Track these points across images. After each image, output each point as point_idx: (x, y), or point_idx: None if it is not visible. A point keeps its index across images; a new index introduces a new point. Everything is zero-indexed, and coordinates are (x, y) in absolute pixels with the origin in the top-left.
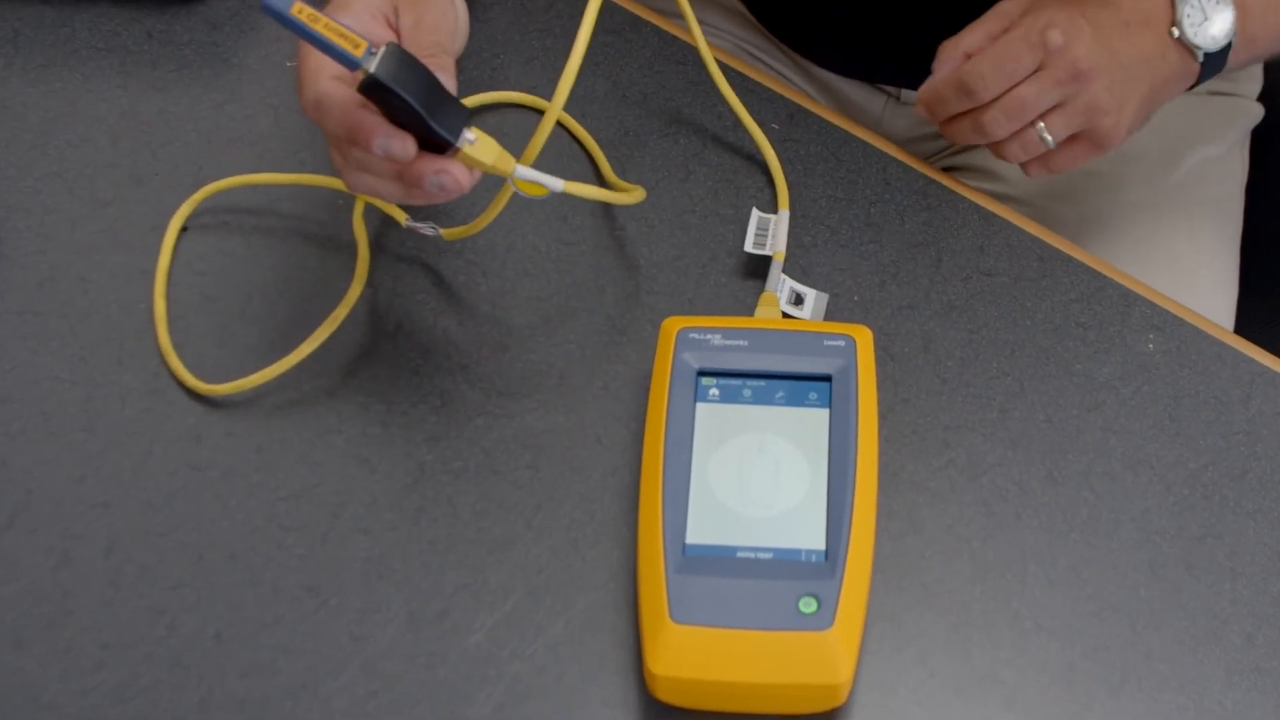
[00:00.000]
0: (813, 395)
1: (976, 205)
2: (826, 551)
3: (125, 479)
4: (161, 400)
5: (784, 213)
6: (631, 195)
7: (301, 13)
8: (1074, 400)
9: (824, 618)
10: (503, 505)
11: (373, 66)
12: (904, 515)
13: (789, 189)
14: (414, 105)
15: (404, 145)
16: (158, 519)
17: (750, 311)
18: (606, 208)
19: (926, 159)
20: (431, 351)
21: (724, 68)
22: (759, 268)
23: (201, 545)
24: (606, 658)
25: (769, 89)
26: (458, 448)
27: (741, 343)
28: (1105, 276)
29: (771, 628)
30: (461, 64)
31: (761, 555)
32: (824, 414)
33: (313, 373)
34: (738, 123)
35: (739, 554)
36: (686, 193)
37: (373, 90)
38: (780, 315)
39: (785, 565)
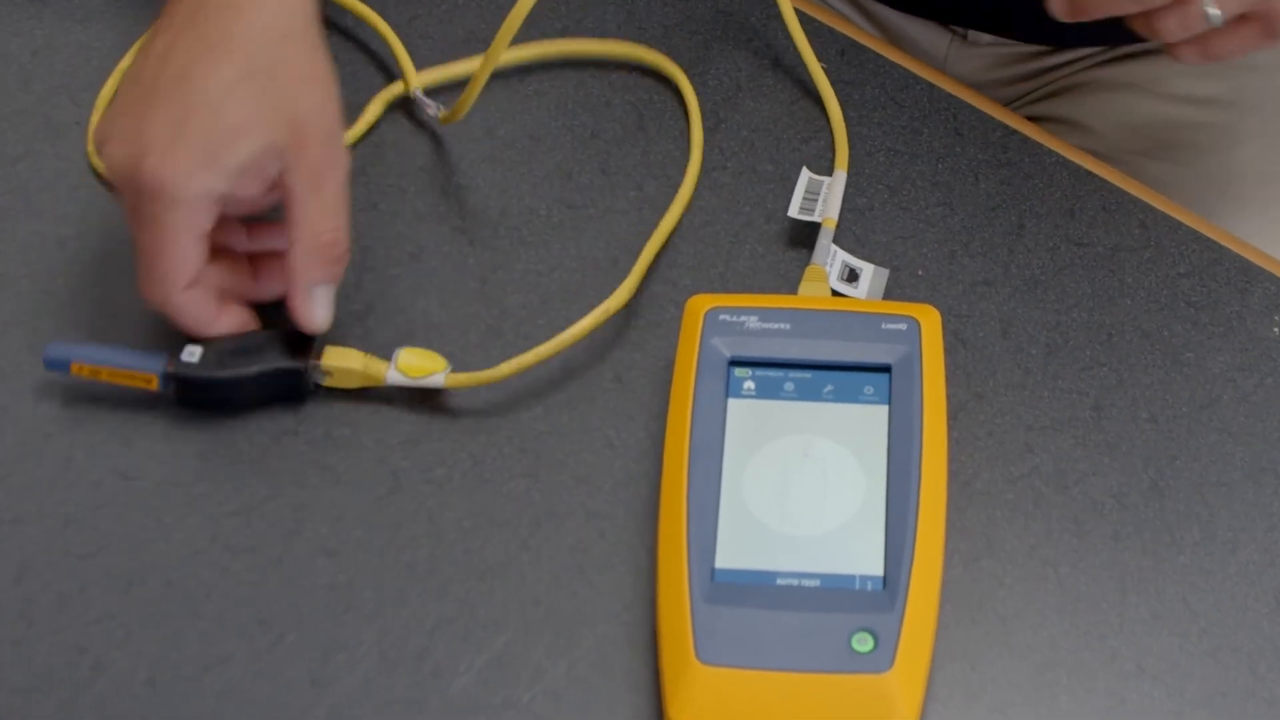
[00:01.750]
0: (868, 389)
1: (1066, 160)
2: (885, 578)
3: (39, 490)
4: (83, 395)
5: (841, 175)
6: None
7: (81, 370)
8: (1183, 396)
9: (882, 658)
10: (494, 521)
11: (184, 370)
12: (978, 534)
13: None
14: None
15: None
16: (79, 538)
17: (793, 288)
18: (621, 161)
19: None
20: (409, 336)
21: None
22: (804, 236)
23: (131, 570)
24: (619, 705)
25: (816, 20)
26: (440, 452)
27: (783, 326)
28: (1222, 247)
29: (818, 670)
30: (462, 10)
31: (806, 582)
32: (882, 412)
33: None
34: (776, 61)
35: (779, 581)
36: (716, 145)
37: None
38: (830, 293)
39: (835, 595)
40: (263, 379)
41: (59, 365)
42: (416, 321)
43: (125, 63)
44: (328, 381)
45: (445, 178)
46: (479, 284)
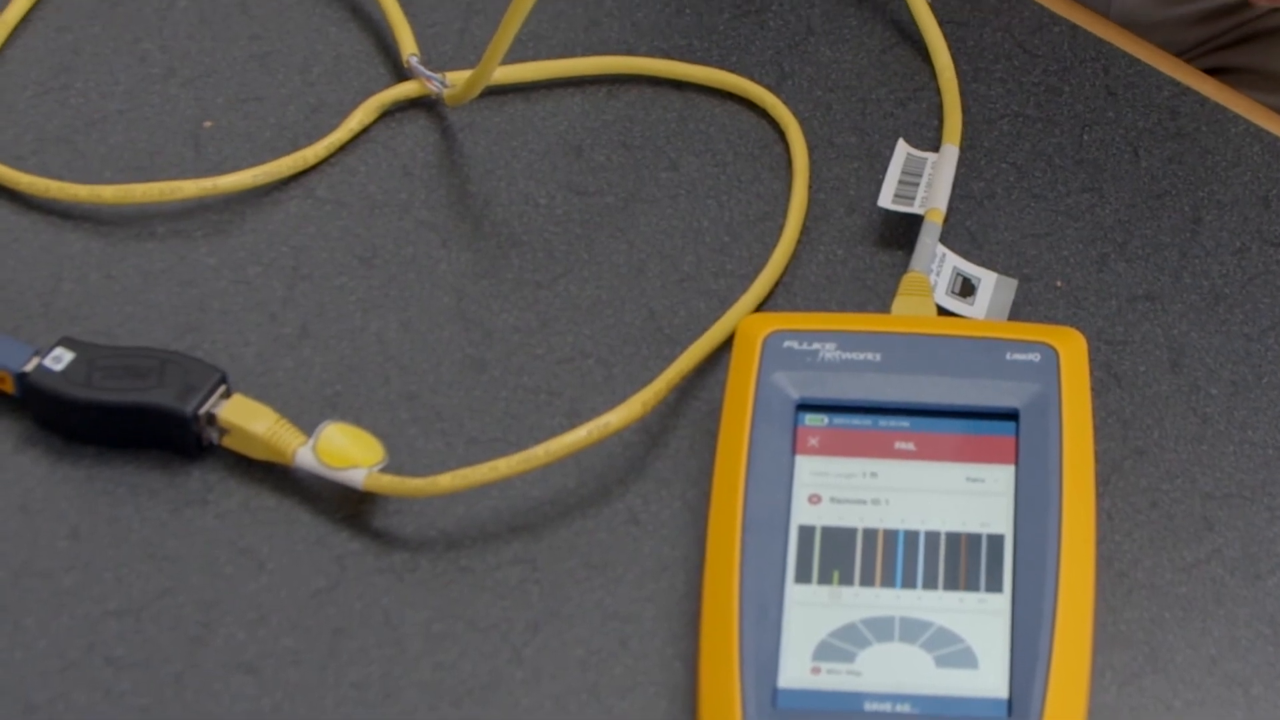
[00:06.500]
0: (988, 443)
1: (1259, 129)
2: (1011, 702)
3: None
4: None
5: (951, 150)
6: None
7: None
8: None
9: None
10: (475, 626)
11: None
12: (1139, 642)
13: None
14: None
15: None
16: None
17: (885, 305)
18: (649, 131)
19: (1179, 55)
20: (360, 369)
21: None
22: (900, 233)
23: None
24: None
25: None
26: (402, 529)
27: (870, 356)
28: None
29: None
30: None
31: (902, 707)
32: (1006, 474)
33: None
34: None
35: (867, 705)
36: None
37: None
38: (935, 311)
39: None
40: (138, 415)
41: None
42: (368, 348)
43: None
44: (226, 441)
45: (407, 155)
46: (454, 298)
